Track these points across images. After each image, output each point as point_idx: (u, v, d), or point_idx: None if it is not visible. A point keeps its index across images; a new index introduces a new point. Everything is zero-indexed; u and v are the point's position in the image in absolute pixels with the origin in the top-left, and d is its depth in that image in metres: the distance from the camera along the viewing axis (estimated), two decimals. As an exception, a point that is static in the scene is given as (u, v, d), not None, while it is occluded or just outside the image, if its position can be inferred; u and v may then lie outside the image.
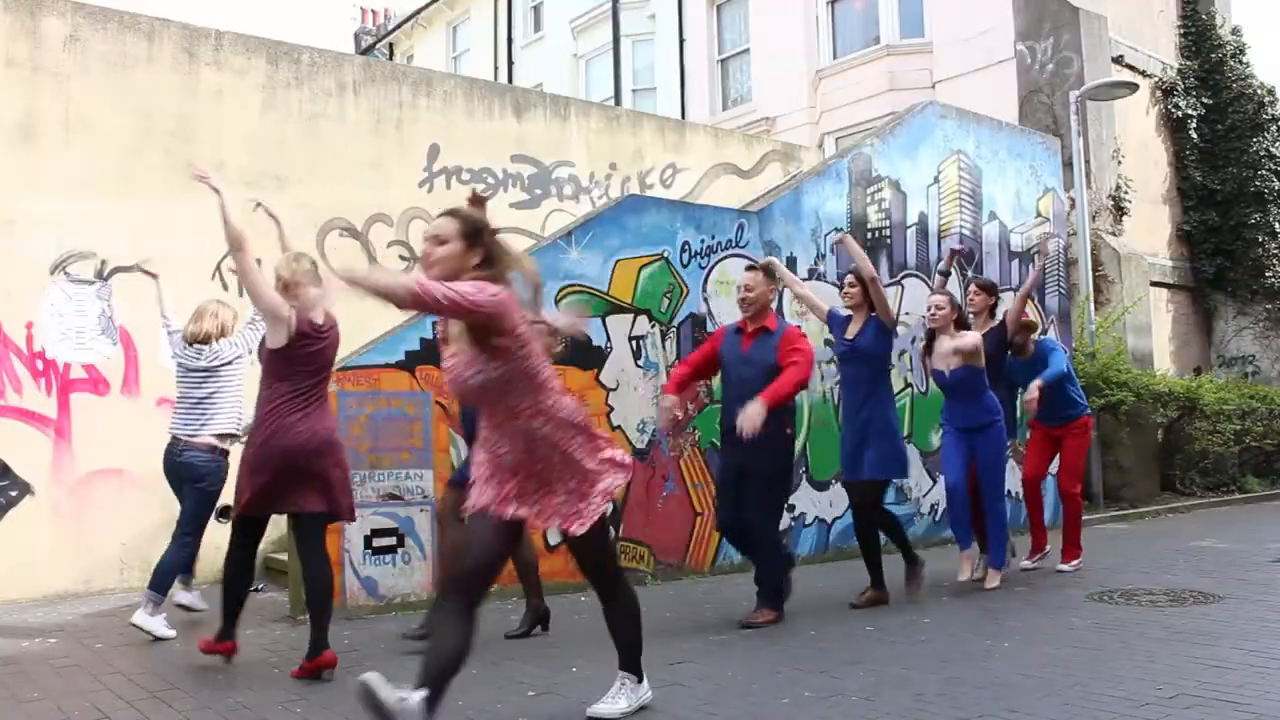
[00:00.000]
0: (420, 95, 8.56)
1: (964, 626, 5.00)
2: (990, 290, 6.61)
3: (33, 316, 6.67)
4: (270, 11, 49.32)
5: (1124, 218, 12.88)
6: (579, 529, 3.32)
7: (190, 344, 5.47)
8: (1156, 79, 13.81)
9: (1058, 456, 6.92)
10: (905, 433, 8.12)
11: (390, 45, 23.83)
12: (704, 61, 16.74)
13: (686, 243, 7.10)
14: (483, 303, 3.02)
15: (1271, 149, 13.86)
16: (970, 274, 8.82)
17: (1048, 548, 6.85)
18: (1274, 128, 14.01)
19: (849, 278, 5.86)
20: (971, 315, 6.53)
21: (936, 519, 8.30)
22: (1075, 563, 6.73)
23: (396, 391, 5.92)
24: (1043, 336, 7.14)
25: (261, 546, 7.06)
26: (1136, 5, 13.94)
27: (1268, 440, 12.53)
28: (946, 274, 6.73)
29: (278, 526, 6.80)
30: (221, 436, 5.77)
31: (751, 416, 4.84)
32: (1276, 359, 14.06)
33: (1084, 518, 9.57)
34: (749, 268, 5.54)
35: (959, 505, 6.01)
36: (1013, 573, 6.56)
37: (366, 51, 23.58)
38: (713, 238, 7.22)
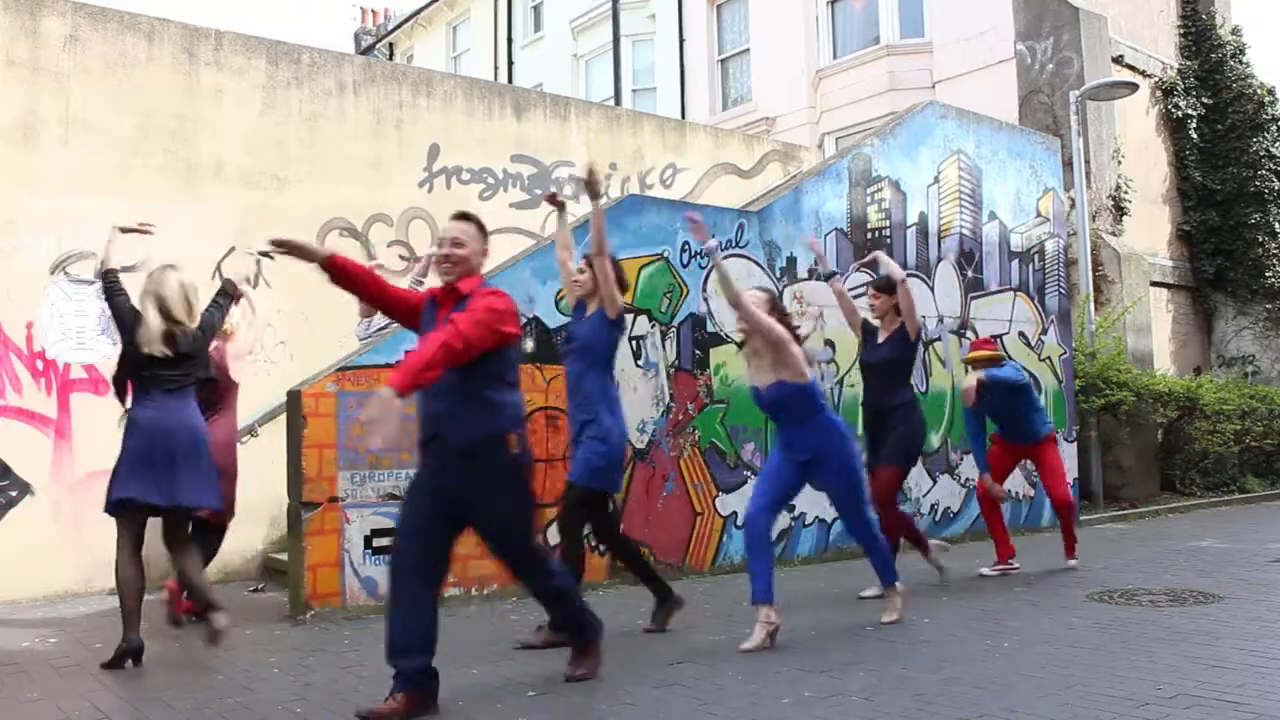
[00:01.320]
0: (420, 95, 8.56)
1: (964, 626, 5.00)
2: (890, 290, 6.02)
3: (33, 316, 6.67)
4: (270, 11, 49.33)
5: (1124, 218, 12.89)
6: None
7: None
8: (1156, 79, 13.82)
9: (1017, 470, 7.25)
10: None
11: (390, 45, 23.84)
12: (704, 61, 16.75)
13: (686, 243, 7.09)
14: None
15: (1271, 149, 13.87)
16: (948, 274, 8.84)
17: (1015, 562, 6.69)
18: (1274, 128, 14.02)
19: (579, 262, 5.07)
20: (876, 320, 6.16)
21: (936, 519, 8.31)
22: (1075, 558, 6.79)
23: (396, 391, 5.90)
24: (1010, 362, 7.09)
25: (262, 547, 7.09)
26: (1136, 5, 13.95)
27: (1268, 440, 12.54)
28: (829, 276, 6.35)
29: (278, 526, 6.84)
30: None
31: (375, 406, 3.33)
32: (1276, 359, 14.06)
33: (1083, 518, 9.66)
34: (456, 216, 3.92)
35: (755, 546, 4.75)
36: (1014, 576, 6.57)
37: (366, 51, 23.59)
38: (713, 238, 7.21)
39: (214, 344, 5.43)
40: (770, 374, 4.79)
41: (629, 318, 6.74)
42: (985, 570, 6.61)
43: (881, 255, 6.38)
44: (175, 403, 4.67)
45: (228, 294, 5.14)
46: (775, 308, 4.89)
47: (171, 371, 4.68)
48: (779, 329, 4.72)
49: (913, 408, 6.06)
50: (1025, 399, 6.60)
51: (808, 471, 4.86)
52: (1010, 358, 8.12)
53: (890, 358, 6.00)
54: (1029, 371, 9.32)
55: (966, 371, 6.61)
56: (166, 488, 4.52)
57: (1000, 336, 9.04)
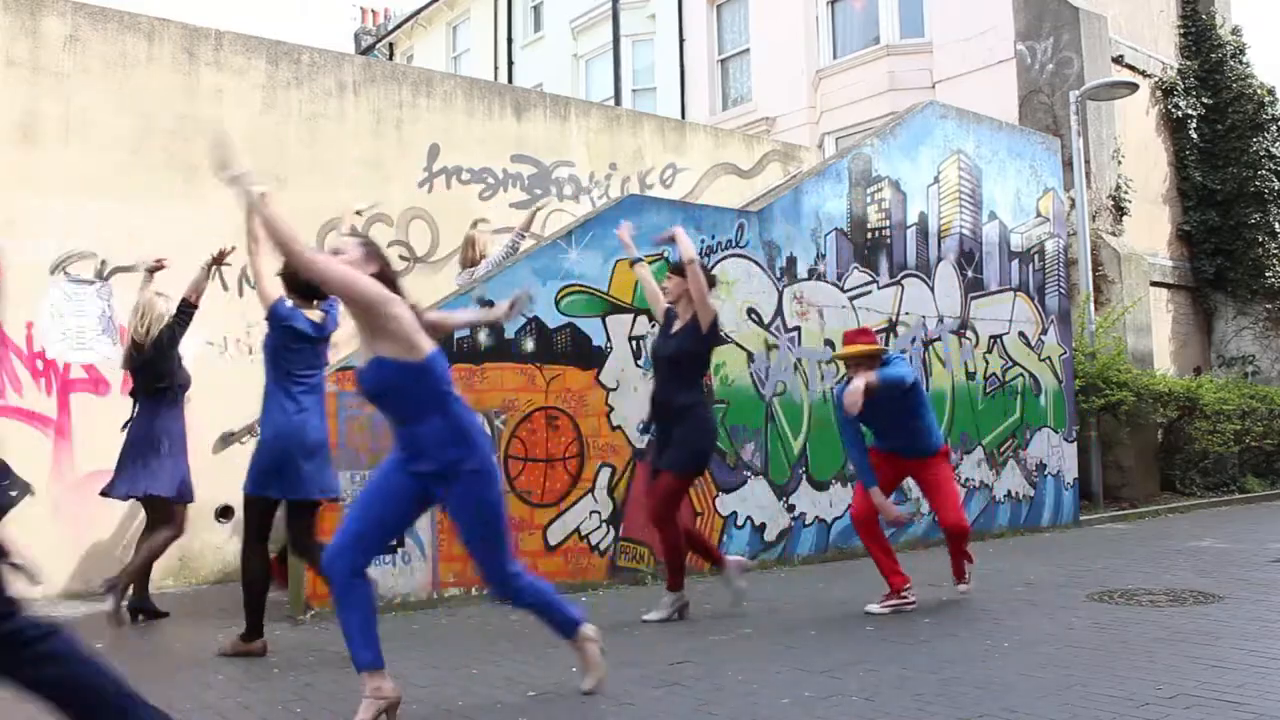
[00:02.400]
0: (420, 95, 8.56)
1: (964, 626, 5.00)
2: (683, 272, 5.29)
3: (33, 316, 6.67)
4: (270, 11, 49.34)
5: (1124, 218, 12.90)
6: None
7: None
8: (1156, 79, 13.82)
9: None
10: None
11: (390, 45, 23.85)
12: (704, 61, 16.75)
13: (686, 243, 7.08)
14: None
15: (1271, 149, 13.88)
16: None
17: (909, 589, 5.46)
18: (1274, 128, 14.03)
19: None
20: (670, 305, 5.43)
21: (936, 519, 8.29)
22: (968, 584, 5.71)
23: (396, 391, 5.90)
24: (894, 354, 5.78)
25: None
26: (1136, 5, 13.95)
27: (1268, 440, 12.54)
28: (634, 262, 5.69)
29: (278, 526, 6.85)
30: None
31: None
32: (1276, 359, 14.06)
33: (1083, 518, 9.68)
34: None
35: (341, 595, 3.41)
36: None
37: (366, 51, 23.59)
38: (713, 238, 7.22)
39: None
40: (368, 348, 3.45)
41: (628, 318, 6.74)
42: (873, 607, 5.36)
43: (678, 230, 5.46)
44: (145, 406, 5.68)
45: (188, 306, 5.71)
46: (373, 255, 3.60)
47: (139, 380, 5.72)
48: (364, 283, 3.37)
49: (699, 409, 5.32)
50: (916, 402, 5.44)
51: (429, 491, 3.47)
52: (889, 350, 6.62)
53: (676, 351, 5.30)
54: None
55: (840, 370, 5.55)
56: (140, 480, 5.57)
57: (1001, 336, 9.05)
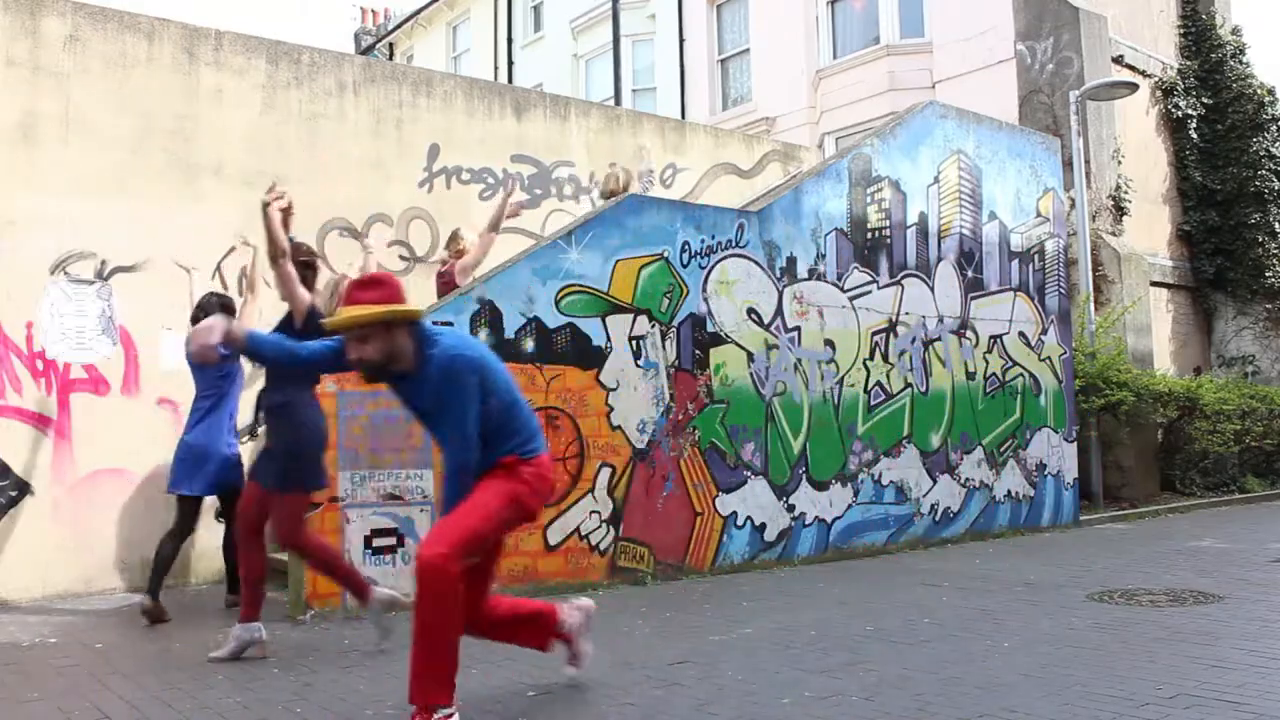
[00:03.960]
0: (420, 95, 8.56)
1: (964, 626, 5.00)
2: (301, 254, 4.88)
3: (33, 316, 6.67)
4: (270, 11, 49.34)
5: (1124, 218, 12.90)
6: None
7: None
8: (1156, 79, 13.83)
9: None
10: (906, 432, 8.14)
11: (390, 45, 23.86)
12: (704, 61, 16.76)
13: (686, 243, 7.09)
14: None
15: (1271, 149, 13.88)
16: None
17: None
18: (1274, 128, 14.03)
19: None
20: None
21: (936, 519, 8.30)
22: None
23: (396, 391, 5.91)
24: (442, 331, 3.67)
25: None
26: (1136, 5, 13.96)
27: (1268, 440, 12.55)
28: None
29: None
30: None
31: None
32: (1276, 359, 14.07)
33: (1083, 517, 9.65)
34: None
35: None
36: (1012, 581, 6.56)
37: (366, 51, 23.60)
38: (713, 238, 7.22)
39: (446, 258, 7.24)
40: None
41: (628, 318, 6.74)
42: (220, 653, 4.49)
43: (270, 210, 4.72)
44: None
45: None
46: None
47: None
48: None
49: (293, 410, 4.67)
50: (462, 400, 3.45)
51: None
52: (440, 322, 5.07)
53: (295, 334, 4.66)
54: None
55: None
56: None
57: (1001, 336, 9.04)
